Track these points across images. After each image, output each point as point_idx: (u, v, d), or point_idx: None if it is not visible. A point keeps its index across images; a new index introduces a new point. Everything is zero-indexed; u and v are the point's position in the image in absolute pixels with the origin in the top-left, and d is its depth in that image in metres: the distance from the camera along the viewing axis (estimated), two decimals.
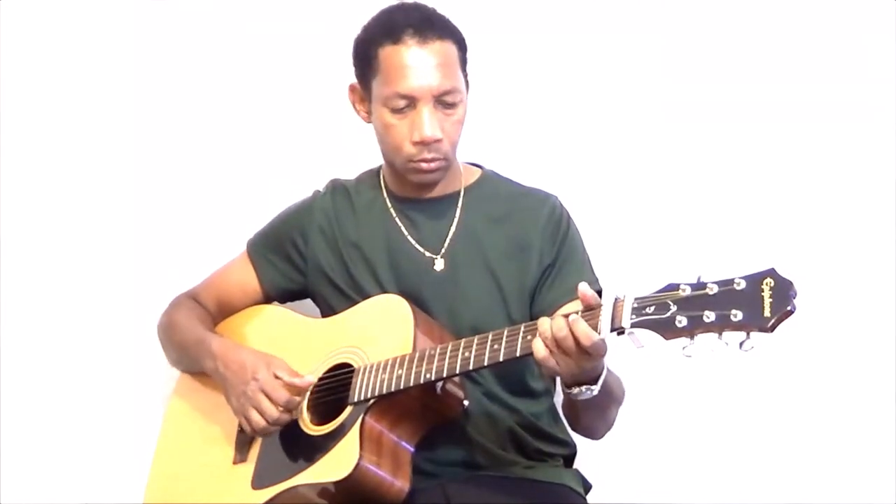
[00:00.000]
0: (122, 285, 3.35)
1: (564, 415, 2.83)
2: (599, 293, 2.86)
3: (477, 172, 2.98)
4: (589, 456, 3.02)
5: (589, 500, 2.92)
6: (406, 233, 2.92)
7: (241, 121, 3.39)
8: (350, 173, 3.05)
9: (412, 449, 2.74)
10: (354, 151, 3.13)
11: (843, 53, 3.29)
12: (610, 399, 2.72)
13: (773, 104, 3.31)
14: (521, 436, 2.87)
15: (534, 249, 2.88)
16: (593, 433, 2.85)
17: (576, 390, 2.59)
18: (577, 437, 2.94)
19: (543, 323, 2.54)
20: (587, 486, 2.94)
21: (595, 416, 2.76)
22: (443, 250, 2.90)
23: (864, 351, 3.25)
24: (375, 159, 2.99)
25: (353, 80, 2.91)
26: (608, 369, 2.63)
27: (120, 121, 3.38)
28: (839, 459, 3.23)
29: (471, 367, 2.64)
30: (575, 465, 2.96)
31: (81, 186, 3.37)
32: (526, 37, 3.35)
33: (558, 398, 2.87)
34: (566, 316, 2.53)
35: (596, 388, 2.58)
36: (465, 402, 2.75)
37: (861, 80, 3.29)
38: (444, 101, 2.81)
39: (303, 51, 3.37)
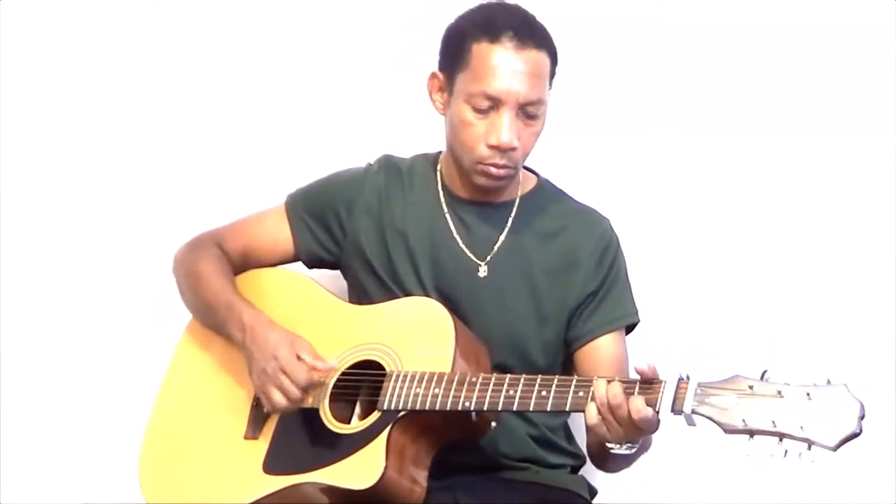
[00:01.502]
0: (122, 285, 3.31)
1: (590, 454, 2.82)
2: (635, 325, 2.88)
3: (533, 180, 2.91)
4: None
5: None
6: (455, 233, 2.85)
7: (243, 112, 3.34)
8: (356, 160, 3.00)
9: (430, 459, 2.73)
10: (367, 138, 3.14)
11: (842, 53, 3.27)
12: (642, 449, 2.71)
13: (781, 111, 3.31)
14: (535, 449, 2.87)
15: (580, 271, 2.84)
16: (614, 472, 2.85)
17: (614, 446, 2.58)
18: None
19: (600, 388, 2.51)
20: (593, 492, 2.96)
21: (623, 464, 2.76)
22: (489, 257, 2.84)
23: (864, 351, 3.27)
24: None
25: (434, 68, 2.82)
26: None
27: (124, 117, 3.34)
28: (839, 459, 3.27)
29: (514, 409, 2.61)
30: (581, 471, 2.97)
31: (89, 172, 3.33)
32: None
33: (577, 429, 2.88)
34: (624, 385, 2.50)
35: (635, 448, 2.59)
36: (493, 425, 2.73)
37: (861, 79, 3.28)
38: (526, 111, 2.74)
39: (307, 42, 3.32)
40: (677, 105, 3.30)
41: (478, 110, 2.74)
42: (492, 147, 2.74)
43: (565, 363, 2.88)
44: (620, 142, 3.30)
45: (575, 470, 2.95)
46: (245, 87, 3.34)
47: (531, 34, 2.74)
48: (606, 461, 2.76)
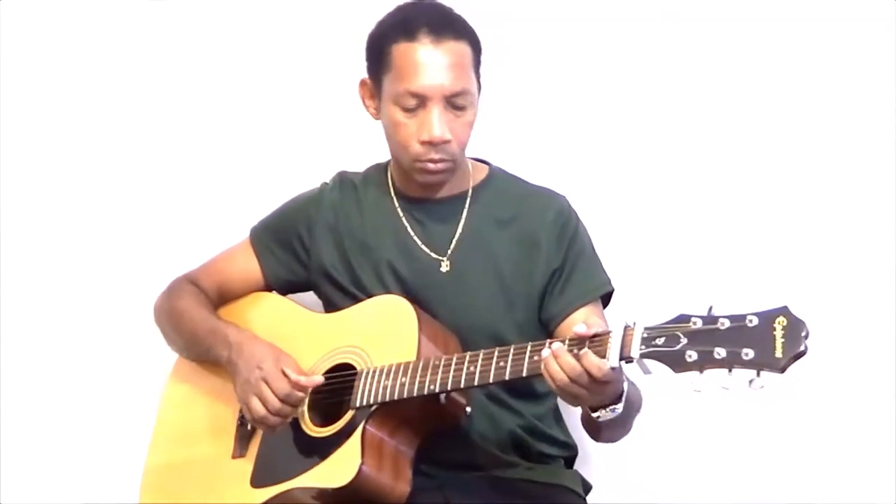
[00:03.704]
0: (123, 286, 3.33)
1: (585, 429, 2.79)
2: (611, 294, 2.89)
3: (484, 170, 2.95)
4: (589, 456, 3.04)
5: (589, 501, 2.93)
6: (412, 233, 2.89)
7: (243, 114, 3.37)
8: (348, 166, 3.02)
9: (412, 453, 2.75)
10: (355, 145, 3.12)
11: (843, 53, 3.27)
12: (631, 410, 2.69)
13: (779, 106, 3.30)
14: (523, 438, 2.87)
15: (541, 252, 2.85)
16: (613, 441, 2.82)
17: (600, 413, 2.58)
18: (577, 439, 2.94)
19: (552, 366, 2.51)
20: (587, 487, 2.95)
21: (617, 429, 2.73)
22: (449, 252, 2.87)
23: (864, 351, 3.25)
24: (374, 154, 2.97)
25: (364, 75, 2.87)
26: (629, 380, 2.62)
27: (123, 117, 3.36)
28: (839, 459, 3.24)
29: (475, 383, 2.63)
30: (575, 466, 2.96)
31: (89, 175, 3.35)
32: (539, 34, 3.32)
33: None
34: (572, 345, 2.51)
35: (619, 408, 2.58)
36: (468, 410, 2.75)
37: (861, 79, 3.27)
38: (454, 103, 2.78)
39: (305, 44, 3.35)
40: (677, 105, 3.32)
41: (406, 109, 2.78)
42: (425, 143, 2.78)
43: None
44: (625, 143, 3.34)
45: (569, 462, 2.95)
46: (244, 93, 3.38)
47: (447, 26, 2.78)
48: (601, 432, 2.74)
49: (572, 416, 2.91)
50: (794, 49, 3.27)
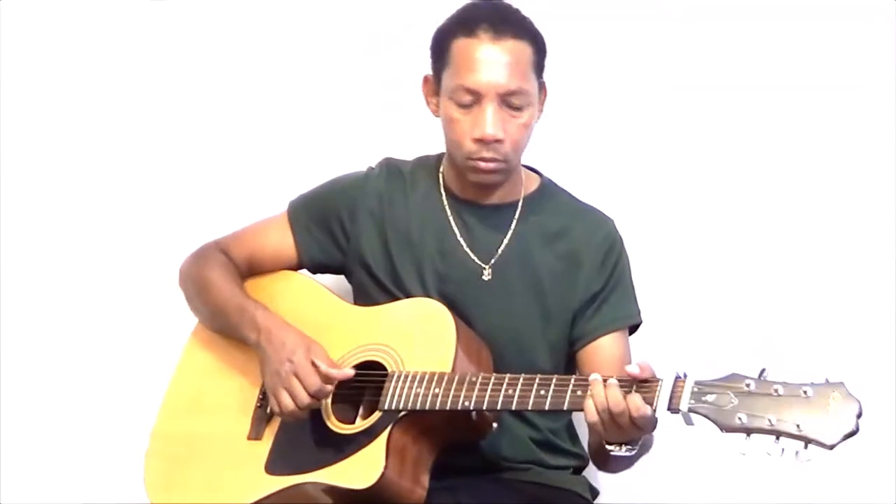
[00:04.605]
0: (125, 285, 3.31)
1: (591, 456, 2.81)
2: (638, 326, 2.87)
3: (536, 181, 2.91)
4: None
5: None
6: (458, 235, 2.85)
7: (245, 116, 3.35)
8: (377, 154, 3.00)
9: (432, 460, 2.72)
10: (366, 144, 3.13)
11: (843, 53, 3.26)
12: (643, 450, 2.69)
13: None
14: (537, 453, 2.87)
15: (583, 272, 2.83)
16: (614, 472, 2.83)
17: (614, 448, 2.57)
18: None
19: (598, 390, 2.50)
20: (594, 493, 2.95)
21: (623, 464, 2.73)
22: (493, 260, 2.84)
23: (864, 351, 3.25)
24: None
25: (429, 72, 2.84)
26: None
27: (125, 119, 3.35)
28: (839, 459, 3.25)
29: (512, 408, 2.61)
30: (583, 472, 2.96)
31: (90, 175, 3.34)
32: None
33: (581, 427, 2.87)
34: (623, 387, 2.49)
35: (635, 449, 2.57)
36: (495, 425, 2.73)
37: (861, 79, 3.26)
38: (510, 102, 2.74)
39: (307, 46, 3.33)
40: (677, 105, 3.29)
41: (461, 105, 2.75)
42: (477, 141, 2.74)
43: (568, 363, 2.87)
44: (625, 142, 3.30)
45: (577, 471, 2.94)
46: (246, 91, 3.34)
47: (508, 24, 2.74)
48: (607, 462, 2.74)
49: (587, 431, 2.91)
50: (794, 49, 3.26)
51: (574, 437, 2.95)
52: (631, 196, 3.26)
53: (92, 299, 3.32)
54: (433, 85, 2.81)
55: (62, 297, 3.32)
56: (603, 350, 2.83)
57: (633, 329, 2.89)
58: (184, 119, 3.34)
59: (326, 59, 3.33)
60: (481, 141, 2.74)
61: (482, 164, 2.76)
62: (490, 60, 2.72)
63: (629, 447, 2.56)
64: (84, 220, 3.34)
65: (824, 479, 3.20)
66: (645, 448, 2.68)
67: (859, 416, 2.36)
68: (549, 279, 2.83)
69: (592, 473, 2.97)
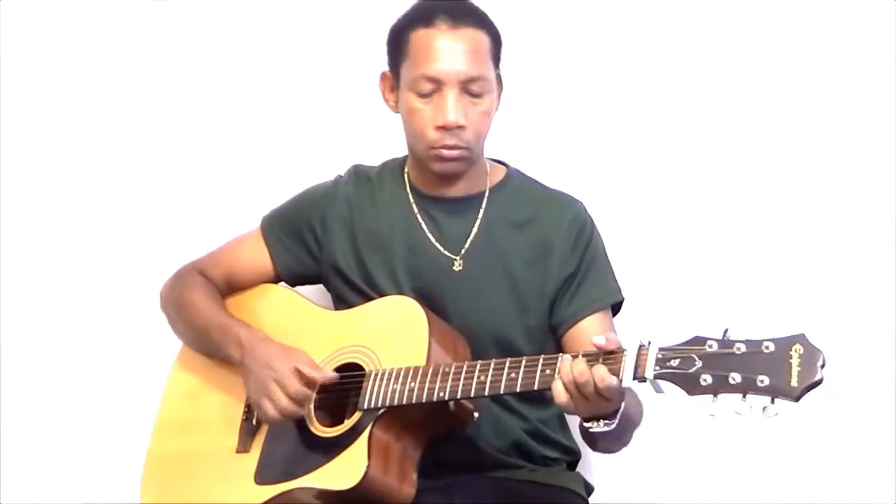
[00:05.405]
0: (123, 287, 3.33)
1: (583, 438, 2.78)
2: (621, 304, 2.87)
3: (502, 171, 2.92)
4: (591, 458, 3.02)
5: (591, 503, 2.92)
6: (427, 231, 2.86)
7: (252, 107, 3.37)
8: (359, 160, 3.00)
9: (418, 455, 2.73)
10: (366, 139, 3.15)
11: (843, 53, 3.26)
12: (628, 426, 2.68)
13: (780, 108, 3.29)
14: (528, 442, 2.86)
15: (555, 257, 2.83)
16: (610, 452, 2.81)
17: (591, 424, 2.56)
18: (580, 443, 2.92)
19: (565, 366, 2.50)
20: (589, 489, 2.94)
21: (613, 442, 2.71)
22: (463, 251, 2.85)
23: (864, 351, 3.23)
24: (385, 148, 2.96)
25: (382, 68, 2.85)
26: (635, 395, 2.61)
27: (126, 120, 3.37)
28: (839, 459, 3.25)
29: (486, 393, 2.61)
30: (577, 469, 2.95)
31: (88, 176, 3.36)
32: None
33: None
34: (588, 360, 2.49)
35: (613, 424, 2.56)
36: (476, 415, 2.73)
37: (861, 79, 3.26)
38: (470, 90, 2.76)
39: (312, 40, 3.35)
40: (678, 105, 3.31)
41: (422, 95, 2.77)
42: (440, 128, 2.76)
43: (557, 350, 2.85)
44: (603, 128, 3.32)
45: (571, 466, 2.94)
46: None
47: (466, 14, 2.78)
48: (595, 443, 2.72)
49: (575, 421, 2.90)
50: (794, 49, 3.26)
51: (565, 426, 2.94)
52: (612, 183, 3.28)
53: (91, 299, 3.34)
54: (391, 80, 2.83)
55: (62, 296, 3.34)
56: (586, 332, 2.82)
57: (616, 308, 2.88)
58: (188, 112, 3.37)
59: (332, 57, 3.36)
60: (444, 128, 2.76)
61: (445, 153, 2.78)
62: (449, 49, 2.75)
63: (606, 422, 2.55)
64: (83, 219, 3.37)
65: (824, 478, 3.21)
66: (630, 421, 2.67)
67: (822, 365, 2.35)
68: (520, 266, 2.84)
69: (587, 469, 2.97)
